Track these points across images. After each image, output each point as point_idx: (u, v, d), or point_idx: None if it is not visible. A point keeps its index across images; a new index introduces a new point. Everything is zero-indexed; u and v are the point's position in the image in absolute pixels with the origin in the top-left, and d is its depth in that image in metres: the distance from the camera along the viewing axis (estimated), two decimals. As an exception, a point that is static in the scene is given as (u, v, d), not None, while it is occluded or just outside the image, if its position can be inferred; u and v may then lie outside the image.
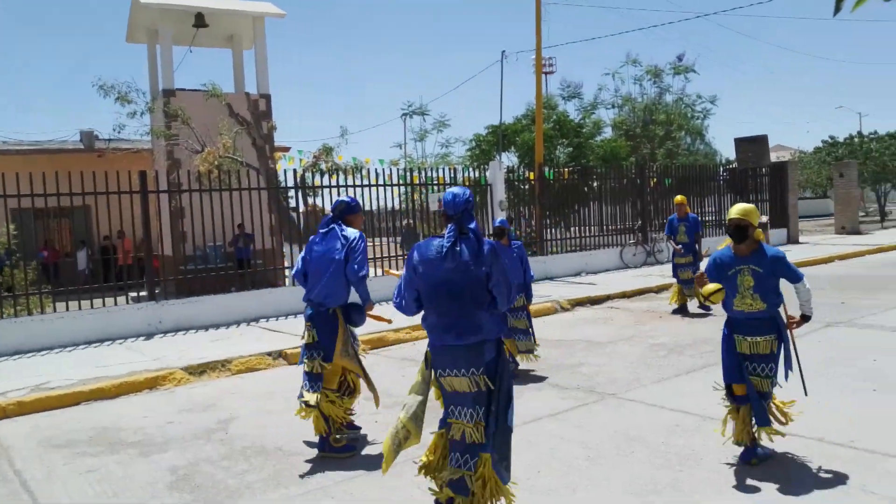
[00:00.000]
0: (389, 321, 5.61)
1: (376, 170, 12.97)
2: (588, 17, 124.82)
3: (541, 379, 6.73)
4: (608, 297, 11.82)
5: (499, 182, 14.51)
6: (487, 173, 14.82)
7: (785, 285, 4.34)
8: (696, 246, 10.32)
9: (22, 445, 5.54)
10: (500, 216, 14.34)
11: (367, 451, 4.95)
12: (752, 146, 21.50)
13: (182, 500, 4.27)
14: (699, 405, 5.37)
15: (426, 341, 3.68)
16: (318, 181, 12.72)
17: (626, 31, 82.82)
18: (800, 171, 28.02)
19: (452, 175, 14.10)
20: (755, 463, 4.24)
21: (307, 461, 4.81)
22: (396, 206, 14.78)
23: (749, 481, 4.01)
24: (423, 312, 3.64)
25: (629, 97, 30.57)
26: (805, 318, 4.41)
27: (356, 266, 4.83)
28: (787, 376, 4.36)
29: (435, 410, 3.75)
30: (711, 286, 4.25)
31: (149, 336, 9.87)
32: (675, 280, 10.38)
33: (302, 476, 4.53)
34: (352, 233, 4.93)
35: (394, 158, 29.20)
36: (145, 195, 10.56)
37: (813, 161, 34.75)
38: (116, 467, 4.91)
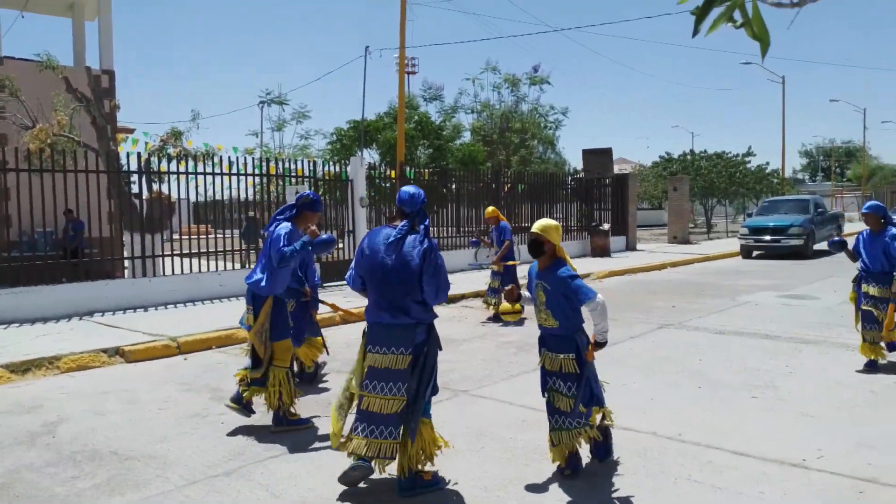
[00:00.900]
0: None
1: (230, 157, 12.43)
2: (451, 22, 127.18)
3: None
4: (462, 297, 12.09)
5: (360, 178, 14.39)
6: (349, 168, 14.65)
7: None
8: (506, 254, 9.93)
9: None
10: (361, 213, 14.24)
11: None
12: (599, 158, 22.85)
13: (-3, 512, 3.86)
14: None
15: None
16: (164, 167, 11.99)
17: (487, 39, 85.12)
18: (639, 183, 30.10)
19: (312, 168, 13.80)
20: (568, 475, 4.12)
21: (145, 465, 4.50)
22: (250, 197, 14.26)
23: (587, 474, 4.23)
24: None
25: (488, 103, 31.54)
26: (598, 345, 4.09)
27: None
28: (586, 407, 4.12)
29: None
30: (507, 306, 4.23)
31: (-39, 329, 8.84)
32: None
33: (139, 482, 4.24)
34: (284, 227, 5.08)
35: (249, 147, 28.22)
36: (-38, 172, 9.45)
37: (651, 175, 37.37)
38: (-84, 477, 4.34)
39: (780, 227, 19.55)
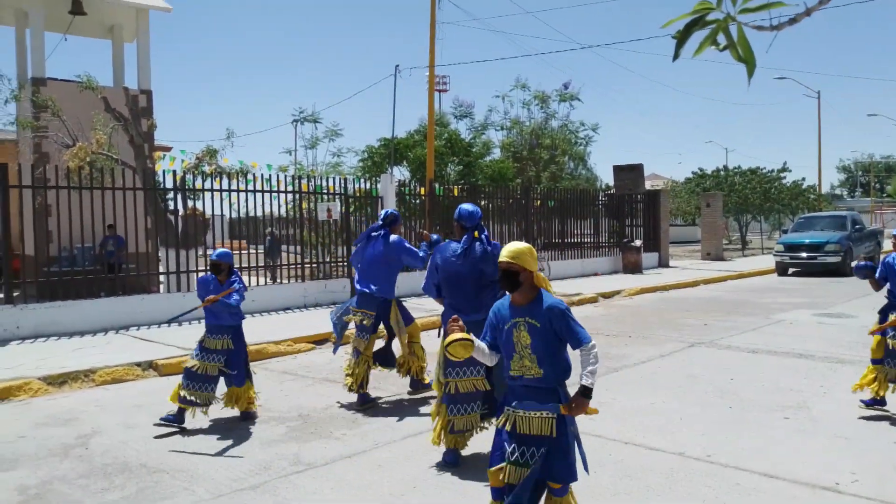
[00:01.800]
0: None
1: (263, 175, 12.63)
2: (480, 40, 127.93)
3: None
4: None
5: (390, 195, 14.51)
6: (379, 185, 14.79)
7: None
8: None
9: None
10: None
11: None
12: (630, 174, 22.72)
13: (31, 522, 3.95)
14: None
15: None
16: (199, 184, 12.23)
17: (516, 56, 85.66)
18: (671, 199, 29.82)
19: (343, 185, 13.96)
20: None
21: (173, 478, 4.57)
22: (283, 214, 14.45)
23: (610, 495, 4.18)
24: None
25: (517, 120, 31.55)
26: (584, 394, 3.14)
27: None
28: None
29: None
30: (456, 335, 3.19)
31: (4, 342, 9.09)
32: None
33: (167, 494, 4.31)
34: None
35: (283, 165, 28.61)
36: (5, 190, 9.73)
37: (683, 191, 37.03)
38: (-45, 487, 4.47)
39: (816, 244, 19.15)
